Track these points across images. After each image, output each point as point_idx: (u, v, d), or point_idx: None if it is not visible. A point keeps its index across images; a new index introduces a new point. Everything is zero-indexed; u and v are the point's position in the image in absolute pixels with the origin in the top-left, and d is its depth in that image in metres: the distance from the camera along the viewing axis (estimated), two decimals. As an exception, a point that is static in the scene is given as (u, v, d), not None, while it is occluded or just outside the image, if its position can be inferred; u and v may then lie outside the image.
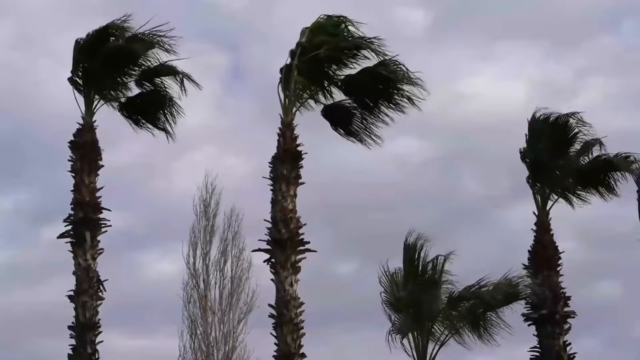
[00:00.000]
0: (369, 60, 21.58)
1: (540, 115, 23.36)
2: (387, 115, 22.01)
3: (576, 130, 23.32)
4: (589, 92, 48.00)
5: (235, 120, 47.53)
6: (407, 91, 21.49)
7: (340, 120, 22.49)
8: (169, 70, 22.48)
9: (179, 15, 44.74)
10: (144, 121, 23.15)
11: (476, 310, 21.22)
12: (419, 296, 21.16)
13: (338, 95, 22.20)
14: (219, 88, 48.70)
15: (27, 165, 44.20)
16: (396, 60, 21.36)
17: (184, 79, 22.35)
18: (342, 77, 21.95)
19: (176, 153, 44.49)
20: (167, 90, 22.74)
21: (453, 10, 48.34)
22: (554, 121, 23.28)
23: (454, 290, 21.35)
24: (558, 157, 23.09)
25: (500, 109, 42.44)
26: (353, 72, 21.81)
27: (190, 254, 35.26)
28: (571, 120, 23.28)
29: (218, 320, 34.53)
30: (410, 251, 21.72)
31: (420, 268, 21.67)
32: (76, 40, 22.27)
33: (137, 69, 22.65)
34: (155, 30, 22.07)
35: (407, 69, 21.30)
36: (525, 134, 23.41)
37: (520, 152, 23.35)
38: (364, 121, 22.34)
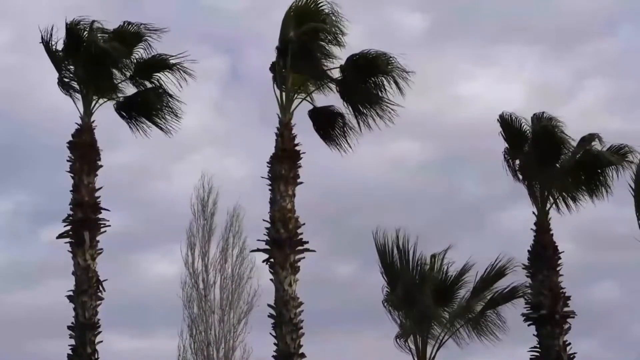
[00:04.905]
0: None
1: (513, 118, 23.17)
2: (373, 110, 22.01)
3: (559, 131, 23.16)
4: (586, 94, 48.17)
5: (234, 122, 47.60)
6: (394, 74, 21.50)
7: (323, 125, 22.46)
8: (162, 63, 22.51)
9: (178, 18, 44.86)
10: (142, 120, 23.13)
11: (474, 306, 21.32)
12: (413, 297, 21.20)
13: (334, 92, 22.22)
14: (218, 90, 48.79)
15: (27, 166, 44.17)
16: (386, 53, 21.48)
17: (180, 72, 22.41)
18: (333, 67, 21.97)
19: (175, 154, 44.53)
20: (163, 85, 22.76)
21: (451, 14, 48.44)
22: (537, 124, 23.07)
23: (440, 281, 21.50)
24: (547, 160, 22.99)
25: (498, 112, 42.35)
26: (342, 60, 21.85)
27: (189, 254, 35.32)
28: (554, 124, 23.12)
29: (218, 319, 34.53)
30: (387, 253, 21.76)
31: (409, 266, 21.70)
32: (46, 41, 22.19)
33: (129, 64, 22.64)
34: (141, 26, 22.22)
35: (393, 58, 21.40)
36: (501, 133, 23.24)
37: (505, 156, 23.24)
38: (345, 127, 22.33)
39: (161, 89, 22.74)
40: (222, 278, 35.07)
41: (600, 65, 48.76)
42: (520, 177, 23.11)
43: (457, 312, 21.60)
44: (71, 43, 22.03)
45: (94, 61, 21.92)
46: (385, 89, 21.82)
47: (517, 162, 23.17)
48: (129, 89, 22.89)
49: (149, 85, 22.82)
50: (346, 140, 22.53)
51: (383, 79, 21.75)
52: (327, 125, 22.50)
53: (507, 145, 23.14)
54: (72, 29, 21.94)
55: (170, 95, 22.70)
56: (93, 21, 22.01)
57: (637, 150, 22.68)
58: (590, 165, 23.00)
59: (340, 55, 21.84)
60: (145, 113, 22.96)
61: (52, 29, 22.02)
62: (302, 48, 21.31)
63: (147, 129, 23.07)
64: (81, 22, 21.99)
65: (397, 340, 21.26)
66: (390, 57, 21.41)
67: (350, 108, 22.20)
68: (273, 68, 21.78)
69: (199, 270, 35.10)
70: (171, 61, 22.48)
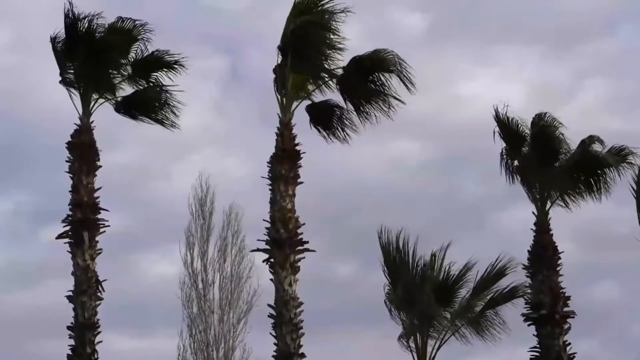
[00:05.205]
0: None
1: (510, 119, 23.16)
2: (373, 108, 21.97)
3: (558, 132, 23.15)
4: (586, 94, 48.18)
5: (234, 122, 47.62)
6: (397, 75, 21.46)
7: (321, 118, 22.40)
8: (159, 61, 22.49)
9: (178, 18, 44.86)
10: (142, 118, 23.11)
11: (474, 306, 21.31)
12: (414, 296, 21.18)
13: (333, 91, 22.18)
14: (218, 90, 48.82)
15: (27, 166, 44.20)
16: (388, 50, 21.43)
17: (177, 66, 22.46)
18: (334, 68, 21.91)
19: (175, 154, 44.56)
20: (161, 82, 22.74)
21: (450, 14, 48.44)
22: (537, 125, 23.06)
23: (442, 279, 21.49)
24: (546, 160, 22.97)
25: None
26: (343, 62, 21.81)
27: (188, 254, 35.29)
28: (551, 124, 23.09)
29: (218, 319, 34.52)
30: (391, 252, 21.70)
31: (410, 265, 21.68)
32: (53, 38, 22.16)
33: (127, 62, 22.60)
34: (136, 22, 22.19)
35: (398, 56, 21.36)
36: (498, 132, 23.23)
37: (502, 156, 23.22)
38: (343, 118, 22.29)
39: (159, 86, 22.73)
40: (221, 278, 35.06)
41: (600, 65, 48.84)
42: (519, 177, 23.10)
43: (457, 312, 21.57)
44: (72, 42, 21.98)
45: (93, 55, 21.91)
46: (388, 85, 21.76)
47: (516, 162, 23.17)
48: (128, 88, 22.91)
49: (147, 83, 22.81)
50: (344, 131, 22.45)
51: (386, 75, 21.66)
52: (324, 117, 22.39)
53: (504, 145, 23.13)
54: (69, 18, 21.85)
55: (169, 91, 22.71)
56: (94, 15, 22.00)
57: (637, 153, 22.69)
58: (590, 166, 22.99)
59: (340, 51, 21.77)
60: (145, 111, 22.95)
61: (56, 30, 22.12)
62: (300, 45, 21.27)
63: (148, 126, 23.19)
64: (76, 11, 21.91)
65: (401, 340, 21.20)
66: (394, 53, 21.38)
67: (351, 104, 22.12)
68: (275, 69, 21.74)
69: (197, 270, 35.09)
70: (167, 58, 22.49)
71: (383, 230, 21.77)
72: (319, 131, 22.52)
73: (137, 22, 22.18)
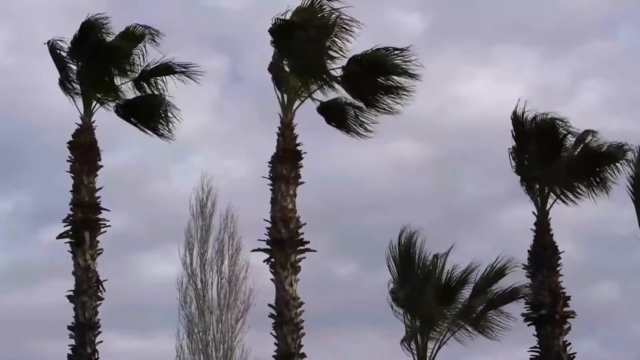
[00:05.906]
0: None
1: (525, 115, 23.24)
2: (383, 102, 21.97)
3: (564, 131, 23.22)
4: (586, 95, 48.21)
5: (234, 122, 47.61)
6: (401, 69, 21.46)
7: (335, 115, 22.36)
8: (167, 70, 22.45)
9: (178, 18, 44.82)
10: (140, 125, 23.12)
11: (474, 307, 21.33)
12: (417, 296, 21.18)
13: (334, 91, 22.17)
14: (218, 91, 48.76)
15: (27, 166, 44.25)
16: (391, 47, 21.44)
17: (183, 75, 22.38)
18: (335, 68, 21.89)
19: (175, 155, 44.53)
20: (164, 92, 22.74)
21: (451, 14, 48.44)
22: (542, 122, 23.13)
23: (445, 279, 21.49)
24: (549, 158, 23.01)
25: (497, 112, 42.60)
26: (344, 61, 21.76)
27: (187, 254, 35.32)
28: (558, 122, 23.16)
29: (216, 320, 34.57)
30: (404, 249, 21.70)
31: (416, 267, 21.69)
32: (51, 42, 22.21)
33: (131, 68, 22.61)
34: (142, 26, 22.16)
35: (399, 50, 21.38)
36: (511, 131, 23.32)
37: (510, 153, 23.30)
38: (357, 115, 22.26)
39: (161, 95, 22.70)
40: (219, 278, 35.10)
41: (600, 66, 48.86)
42: (522, 176, 23.14)
43: (458, 313, 21.57)
44: (81, 42, 21.99)
45: (98, 58, 21.91)
46: (394, 78, 21.77)
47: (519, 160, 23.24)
48: (130, 93, 22.91)
49: (150, 90, 22.78)
50: (362, 127, 22.35)
51: (391, 69, 21.64)
52: (339, 115, 22.31)
53: (514, 143, 23.20)
54: (86, 28, 21.89)
55: (170, 103, 22.68)
56: (105, 21, 22.05)
57: (635, 149, 22.72)
58: (591, 161, 23.01)
59: (343, 53, 21.79)
60: (145, 118, 22.93)
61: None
62: (302, 47, 21.29)
63: (146, 133, 23.13)
64: (96, 21, 21.94)
65: (404, 343, 21.14)
66: (396, 50, 21.40)
67: (361, 102, 22.08)
68: (274, 68, 21.74)
69: (197, 271, 35.14)
70: (177, 69, 22.43)
71: (405, 230, 21.72)
72: (338, 129, 22.41)
73: (147, 29, 22.15)
